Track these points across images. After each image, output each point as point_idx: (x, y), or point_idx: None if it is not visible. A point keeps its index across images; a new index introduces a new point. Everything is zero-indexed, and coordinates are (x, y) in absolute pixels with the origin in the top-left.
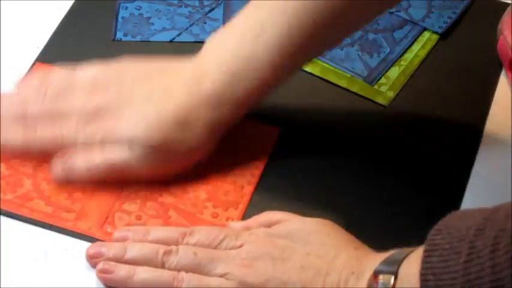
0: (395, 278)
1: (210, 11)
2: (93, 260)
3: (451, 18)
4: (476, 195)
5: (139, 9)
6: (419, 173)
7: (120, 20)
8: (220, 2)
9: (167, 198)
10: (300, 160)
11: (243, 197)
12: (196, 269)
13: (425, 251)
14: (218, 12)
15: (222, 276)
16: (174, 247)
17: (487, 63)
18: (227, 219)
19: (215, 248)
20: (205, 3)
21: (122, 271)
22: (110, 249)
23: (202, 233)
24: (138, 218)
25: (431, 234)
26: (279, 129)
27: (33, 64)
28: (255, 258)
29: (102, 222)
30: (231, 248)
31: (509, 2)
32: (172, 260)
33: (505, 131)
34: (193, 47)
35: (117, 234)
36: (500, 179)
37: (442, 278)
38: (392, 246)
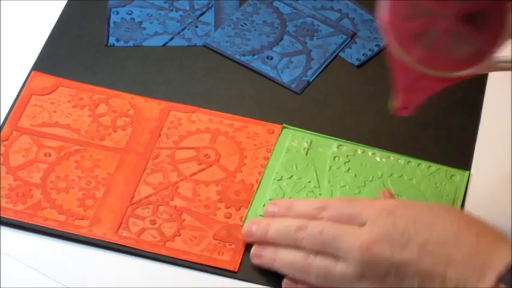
0: None
1: (201, 14)
2: (246, 238)
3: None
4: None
5: (130, 14)
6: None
7: (112, 25)
8: (211, 5)
9: (179, 202)
10: None
11: (254, 195)
12: (320, 248)
13: None
14: (209, 16)
15: (344, 258)
16: (305, 224)
17: None
18: (240, 218)
19: (345, 223)
20: (196, 6)
21: (267, 255)
22: (257, 228)
23: (333, 208)
24: (153, 222)
25: None
26: (283, 126)
27: (30, 73)
28: (375, 241)
29: (117, 227)
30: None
31: None
32: (302, 238)
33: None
34: (186, 51)
35: (266, 209)
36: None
37: None
38: None
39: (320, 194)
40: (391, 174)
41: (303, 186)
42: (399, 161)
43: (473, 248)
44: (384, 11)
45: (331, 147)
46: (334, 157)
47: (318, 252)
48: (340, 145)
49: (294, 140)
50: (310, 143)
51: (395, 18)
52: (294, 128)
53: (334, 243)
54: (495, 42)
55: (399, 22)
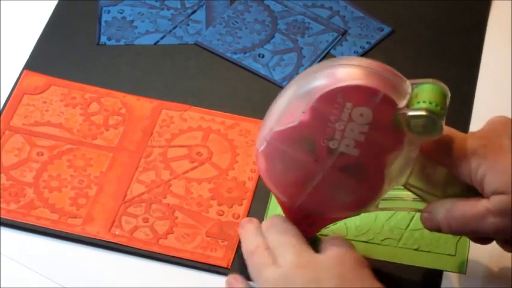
0: None
1: (193, 13)
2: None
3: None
4: None
5: (121, 13)
6: None
7: (103, 24)
8: (202, 3)
9: (171, 200)
10: None
11: (246, 192)
12: None
13: None
14: (201, 14)
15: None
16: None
17: None
18: (233, 215)
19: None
20: (187, 5)
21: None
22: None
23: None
24: (146, 220)
25: None
26: None
27: (22, 72)
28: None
29: (110, 225)
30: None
31: None
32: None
33: None
34: (177, 49)
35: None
36: None
37: None
38: None
39: None
40: None
41: None
42: None
43: None
44: (260, 163)
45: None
46: None
47: None
48: None
49: None
50: None
51: (272, 167)
52: None
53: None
54: (375, 190)
55: (277, 171)
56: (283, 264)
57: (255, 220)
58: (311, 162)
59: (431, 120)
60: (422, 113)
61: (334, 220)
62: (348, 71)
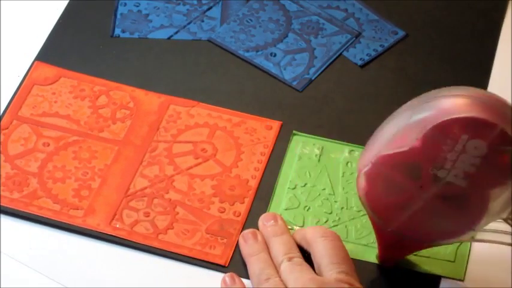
0: None
1: (208, 9)
2: None
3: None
4: None
5: (138, 6)
6: None
7: (118, 16)
8: (218, 0)
9: (173, 195)
10: None
11: (248, 190)
12: None
13: None
14: (216, 11)
15: None
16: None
17: None
18: (234, 213)
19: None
20: (204, 1)
21: None
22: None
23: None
24: (147, 214)
25: None
26: (282, 122)
27: (33, 63)
28: None
29: (111, 218)
30: None
31: None
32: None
33: None
34: (190, 45)
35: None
36: None
37: None
38: None
39: (335, 202)
40: None
41: (318, 194)
42: None
43: None
44: (361, 179)
45: (343, 152)
46: (347, 162)
47: None
48: (352, 150)
49: (305, 147)
50: (322, 149)
51: (373, 188)
52: (304, 134)
53: None
54: (475, 221)
55: (378, 193)
56: None
57: (260, 236)
58: (415, 188)
59: None
60: None
61: (425, 247)
62: (465, 102)
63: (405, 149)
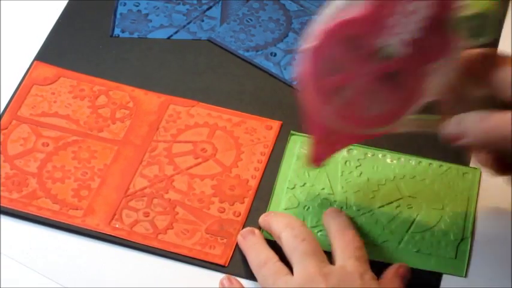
0: None
1: (208, 9)
2: None
3: None
4: None
5: (137, 6)
6: None
7: (118, 16)
8: (218, 0)
9: (173, 195)
10: None
11: (248, 190)
12: None
13: None
14: (216, 11)
15: None
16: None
17: None
18: (234, 213)
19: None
20: (204, 1)
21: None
22: None
23: None
24: (146, 214)
25: None
26: (282, 122)
27: (32, 63)
28: None
29: (110, 218)
30: None
31: None
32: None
33: None
34: (190, 44)
35: None
36: None
37: None
38: None
39: (335, 201)
40: (404, 176)
41: (317, 193)
42: (410, 161)
43: None
44: (305, 62)
45: (341, 151)
46: (345, 161)
47: None
48: (350, 149)
49: (303, 146)
50: None
51: (315, 70)
52: (302, 134)
53: None
54: (409, 103)
55: (319, 75)
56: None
57: (257, 232)
58: (356, 63)
59: (485, 20)
60: (478, 11)
61: (358, 139)
62: None
63: (351, 16)
